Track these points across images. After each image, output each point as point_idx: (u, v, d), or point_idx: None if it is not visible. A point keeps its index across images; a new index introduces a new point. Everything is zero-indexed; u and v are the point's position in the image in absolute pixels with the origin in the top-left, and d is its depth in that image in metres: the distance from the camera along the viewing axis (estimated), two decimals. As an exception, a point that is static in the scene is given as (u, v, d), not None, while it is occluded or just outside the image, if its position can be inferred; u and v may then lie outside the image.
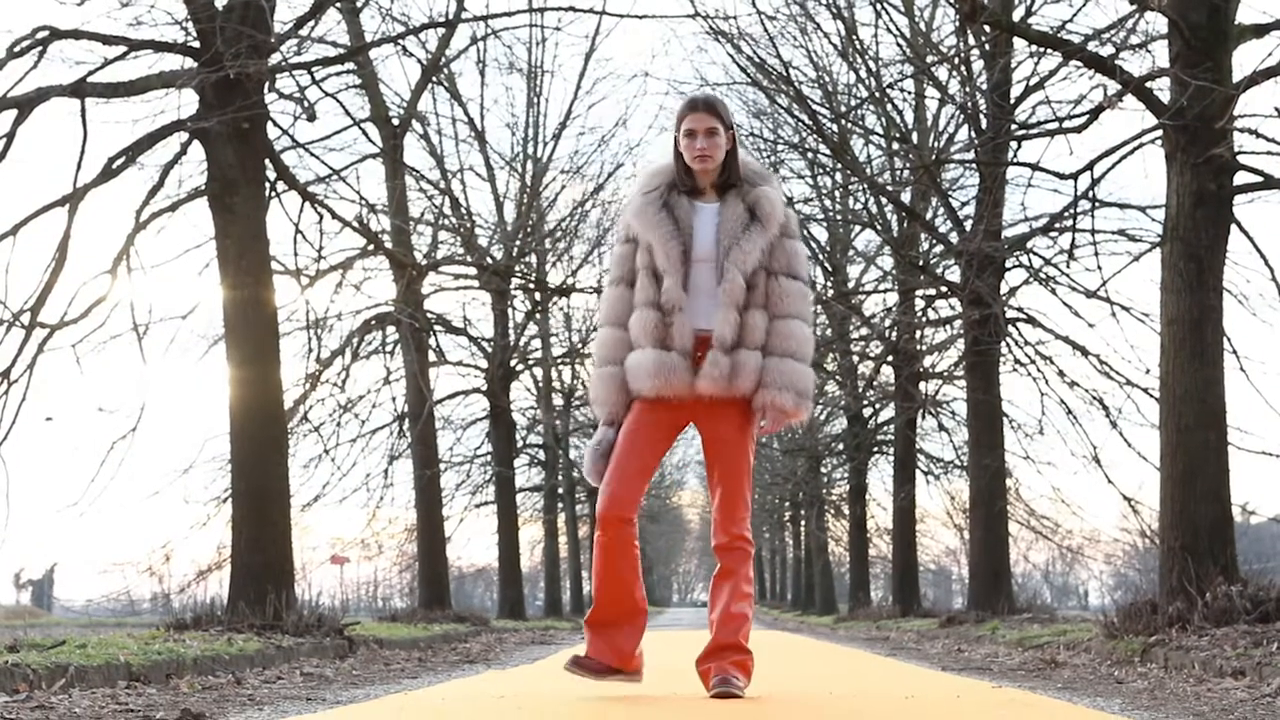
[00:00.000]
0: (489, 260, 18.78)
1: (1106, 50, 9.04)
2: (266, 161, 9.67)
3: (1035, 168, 10.61)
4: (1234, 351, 9.62)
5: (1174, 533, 7.79)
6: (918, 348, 17.42)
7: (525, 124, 21.22)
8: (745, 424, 4.40)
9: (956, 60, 12.96)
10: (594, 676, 4.37)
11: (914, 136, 16.89)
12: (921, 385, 17.94)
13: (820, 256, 19.57)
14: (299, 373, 14.45)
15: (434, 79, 17.29)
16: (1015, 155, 12.35)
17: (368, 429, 17.67)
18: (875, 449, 24.27)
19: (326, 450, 16.14)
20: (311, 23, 10.08)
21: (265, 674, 6.28)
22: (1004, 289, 14.18)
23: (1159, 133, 8.23)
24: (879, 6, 13.51)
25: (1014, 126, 11.91)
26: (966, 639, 10.71)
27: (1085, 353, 14.29)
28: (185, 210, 9.82)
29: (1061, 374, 14.82)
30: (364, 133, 14.98)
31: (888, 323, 18.10)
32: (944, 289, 15.40)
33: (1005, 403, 15.06)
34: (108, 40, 9.11)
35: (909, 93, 16.86)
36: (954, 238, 14.49)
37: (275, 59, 9.67)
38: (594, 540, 4.42)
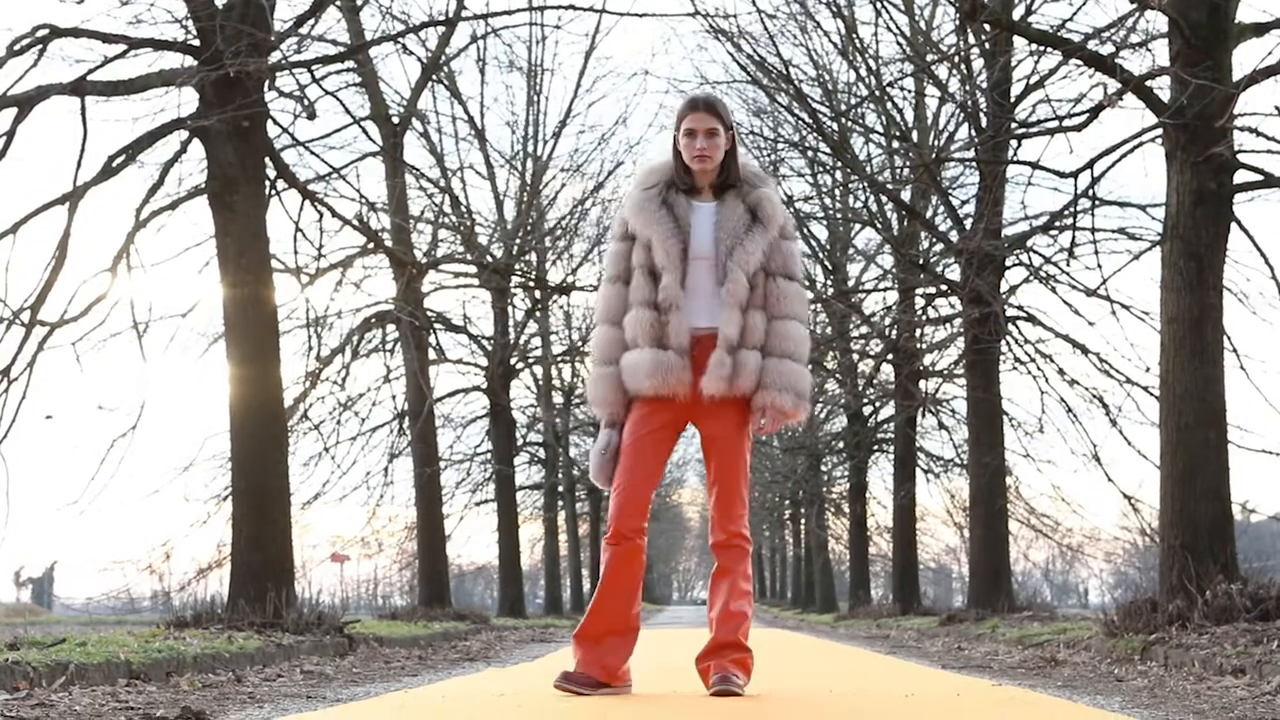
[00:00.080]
0: (489, 258, 18.78)
1: (1106, 49, 9.03)
2: (266, 160, 9.67)
3: (1035, 166, 10.60)
4: (1234, 350, 9.63)
5: (1174, 531, 7.79)
6: (918, 346, 17.42)
7: (525, 122, 21.26)
8: (743, 422, 4.40)
9: (956, 59, 12.95)
10: (583, 691, 4.36)
11: (914, 135, 16.89)
12: (921, 383, 17.94)
13: (820, 255, 19.57)
14: (299, 371, 14.47)
15: (434, 77, 17.29)
16: (1015, 154, 12.34)
17: (368, 427, 17.71)
18: (875, 447, 24.28)
19: (326, 448, 16.15)
20: (311, 21, 10.08)
21: (265, 672, 6.28)
22: (1004, 287, 14.19)
23: (1159, 131, 8.23)
24: (879, 5, 13.52)
25: (1014, 125, 11.91)
26: (966, 637, 10.71)
27: (1085, 351, 14.30)
28: (185, 208, 9.83)
29: (1061, 372, 14.82)
30: (364, 131, 14.98)
31: (888, 321, 18.11)
32: (944, 287, 15.40)
33: (1005, 401, 15.08)
34: (107, 38, 9.10)
35: (909, 91, 16.87)
36: (954, 236, 14.50)
37: (275, 57, 9.66)
38: (602, 551, 4.43)
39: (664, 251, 4.35)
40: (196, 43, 9.24)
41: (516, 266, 19.74)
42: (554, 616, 24.10)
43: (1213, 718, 4.14)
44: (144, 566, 14.36)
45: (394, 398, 17.70)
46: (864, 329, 18.79)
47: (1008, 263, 13.88)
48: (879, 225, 17.21)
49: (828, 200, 19.73)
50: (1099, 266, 11.04)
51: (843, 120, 14.44)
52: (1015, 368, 15.18)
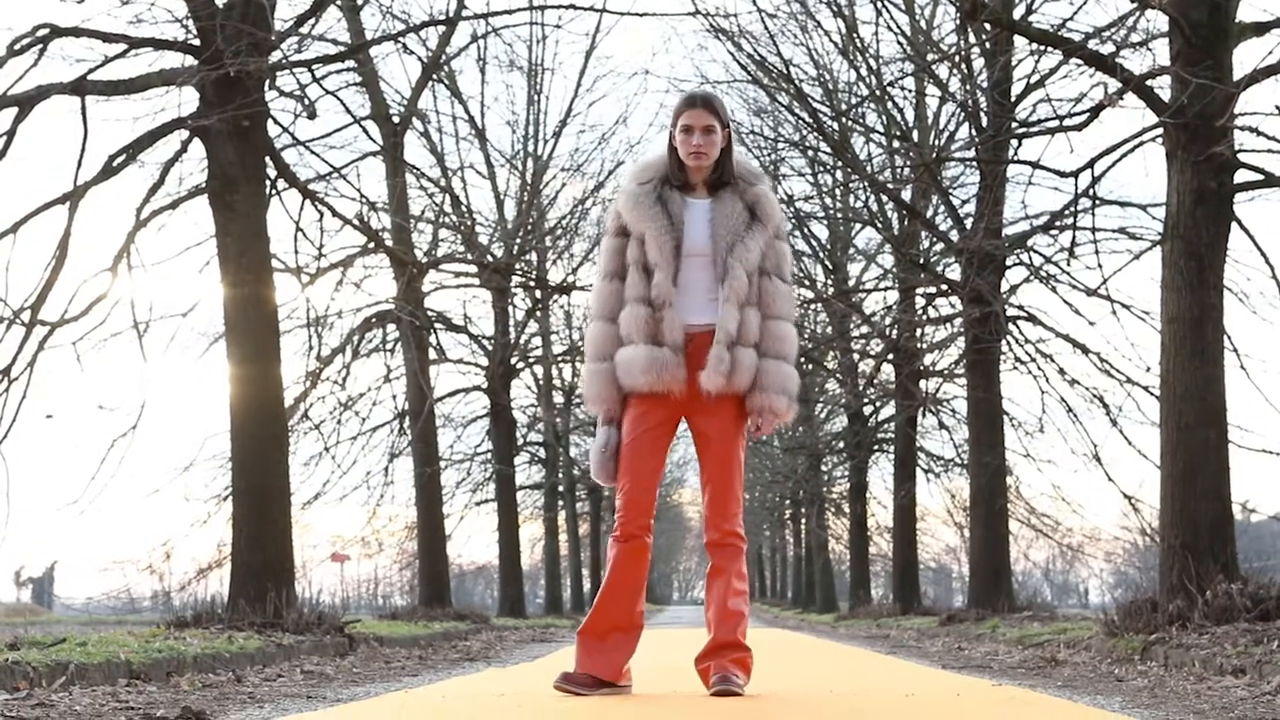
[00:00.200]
0: (489, 258, 18.77)
1: (1107, 48, 9.03)
2: (267, 159, 9.66)
3: (1036, 166, 10.60)
4: (1234, 349, 9.63)
5: (1174, 531, 7.79)
6: (918, 346, 17.42)
7: (526, 121, 21.25)
8: (738, 420, 4.41)
9: (957, 58, 12.94)
10: (583, 692, 4.35)
11: (914, 134, 16.89)
12: (922, 383, 17.94)
13: (821, 254, 19.58)
14: (299, 370, 14.47)
15: (434, 76, 17.28)
16: (1016, 153, 12.34)
17: (368, 427, 17.70)
18: (876, 447, 24.27)
19: (327, 448, 16.14)
20: (312, 20, 10.08)
21: (265, 672, 6.28)
22: (1004, 287, 14.18)
23: (1159, 131, 8.23)
24: (879, 4, 13.50)
25: (1014, 124, 11.90)
26: (967, 637, 10.71)
27: (1086, 351, 14.29)
28: (186, 208, 9.82)
29: (1062, 372, 14.82)
30: (364, 130, 14.95)
31: (888, 321, 18.11)
32: (944, 287, 15.40)
33: (1006, 401, 15.07)
34: (108, 38, 9.10)
35: (909, 90, 16.86)
36: (954, 235, 14.49)
37: (276, 56, 9.66)
38: (609, 548, 4.44)
39: (657, 248, 4.35)
40: (197, 42, 9.24)
41: (517, 266, 19.73)
42: (554, 616, 24.10)
43: (1213, 718, 4.13)
44: (144, 566, 14.37)
45: (394, 397, 17.72)
46: (864, 329, 18.80)
47: (1008, 262, 13.87)
48: (879, 225, 17.20)
49: (828, 200, 19.72)
50: (1099, 266, 11.06)
51: (843, 120, 14.44)
52: (1016, 367, 15.19)
